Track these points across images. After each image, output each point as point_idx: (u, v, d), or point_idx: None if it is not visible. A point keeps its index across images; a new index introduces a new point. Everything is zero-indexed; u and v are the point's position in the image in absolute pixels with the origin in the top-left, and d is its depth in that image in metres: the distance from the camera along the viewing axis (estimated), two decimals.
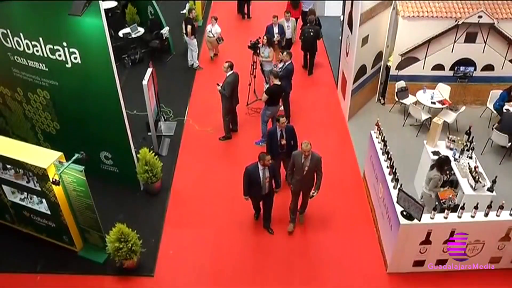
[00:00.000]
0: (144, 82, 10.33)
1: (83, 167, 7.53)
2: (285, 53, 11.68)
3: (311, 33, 14.00)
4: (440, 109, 11.66)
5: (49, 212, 8.41)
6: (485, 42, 11.77)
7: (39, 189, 8.09)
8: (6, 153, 8.01)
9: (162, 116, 12.29)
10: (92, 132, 9.43)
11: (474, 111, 12.30)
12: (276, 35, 13.56)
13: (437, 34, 11.64)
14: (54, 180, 7.47)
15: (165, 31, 14.88)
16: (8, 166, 8.25)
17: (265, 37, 12.70)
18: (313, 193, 8.80)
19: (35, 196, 8.50)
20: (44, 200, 8.32)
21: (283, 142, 9.55)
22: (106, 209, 8.95)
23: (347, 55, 12.26)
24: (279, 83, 10.92)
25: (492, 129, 11.00)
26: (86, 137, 9.48)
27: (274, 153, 9.31)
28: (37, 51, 8.61)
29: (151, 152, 9.74)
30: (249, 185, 8.75)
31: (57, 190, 7.83)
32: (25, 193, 8.60)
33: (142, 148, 9.72)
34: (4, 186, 8.58)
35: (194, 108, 13.03)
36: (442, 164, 8.64)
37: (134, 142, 9.72)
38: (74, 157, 7.59)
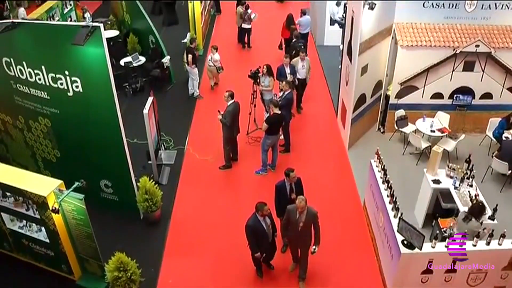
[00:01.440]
0: (145, 111, 10.38)
1: (83, 195, 7.51)
2: (284, 82, 11.76)
3: (301, 47, 14.87)
4: (440, 137, 11.68)
5: (48, 241, 8.36)
6: (483, 71, 11.88)
7: (39, 217, 8.06)
8: (6, 181, 8.00)
9: (162, 145, 12.31)
10: (92, 160, 9.43)
11: (474, 139, 12.32)
12: (288, 76, 12.92)
13: (435, 63, 11.76)
14: (53, 208, 7.45)
15: (166, 60, 15.01)
16: (8, 194, 8.24)
17: (265, 67, 12.80)
18: (314, 249, 8.25)
19: (34, 224, 8.47)
20: (43, 228, 8.28)
21: (293, 196, 8.67)
22: (105, 238, 8.87)
23: (346, 84, 12.35)
24: (279, 112, 10.98)
25: (492, 157, 11.00)
26: (86, 165, 9.48)
27: (283, 208, 8.45)
28: (39, 79, 8.69)
29: (151, 180, 9.72)
30: (256, 240, 8.20)
31: (57, 218, 7.80)
32: (24, 221, 8.58)
33: (142, 176, 9.70)
34: (3, 214, 8.55)
35: (195, 137, 13.05)
36: (480, 211, 8.25)
37: (134, 171, 9.71)
38: (74, 186, 7.58)
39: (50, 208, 7.52)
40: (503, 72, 11.91)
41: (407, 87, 12.17)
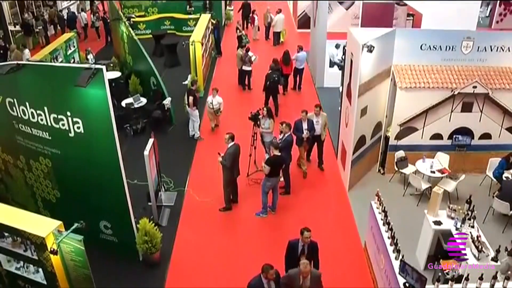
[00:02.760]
0: (146, 152, 10.41)
1: (82, 236, 7.46)
2: (284, 124, 11.82)
3: (275, 78, 16.05)
4: (440, 178, 11.67)
5: (45, 282, 8.22)
6: (481, 111, 11.98)
7: (36, 258, 7.96)
8: (4, 221, 7.95)
9: (162, 186, 12.29)
10: (92, 201, 9.39)
11: (474, 179, 12.30)
12: (305, 131, 12.43)
13: (434, 104, 11.88)
14: (52, 249, 7.38)
15: (167, 101, 15.15)
16: (6, 234, 8.17)
17: (265, 109, 12.91)
18: None
19: (31, 265, 8.34)
20: (40, 270, 8.15)
21: (302, 260, 8.10)
22: (104, 280, 8.78)
23: (346, 126, 12.42)
24: (279, 153, 11.01)
25: (493, 197, 10.96)
26: (86, 206, 9.43)
27: (292, 267, 7.98)
28: (42, 120, 8.76)
29: (151, 222, 9.67)
30: None
31: (55, 259, 7.71)
32: (22, 262, 8.46)
33: (142, 218, 9.66)
34: (0, 255, 8.47)
35: (195, 178, 13.04)
36: None
37: (134, 212, 9.65)
38: (73, 226, 7.54)
39: (49, 249, 7.44)
40: (501, 112, 12.02)
41: (407, 128, 12.25)
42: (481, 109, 11.97)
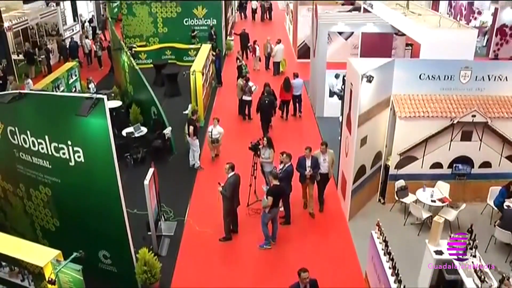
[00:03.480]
0: (146, 182, 10.41)
1: (81, 266, 7.41)
2: (284, 155, 11.84)
3: (266, 102, 16.63)
4: (441, 207, 11.63)
5: None
6: (481, 140, 12.02)
7: None
8: (2, 250, 7.90)
9: (162, 216, 12.24)
10: (91, 230, 9.33)
11: (475, 208, 12.27)
12: (308, 169, 12.13)
13: (434, 133, 11.92)
14: (50, 279, 7.31)
15: (167, 131, 15.19)
16: (3, 263, 8.11)
17: (265, 139, 12.95)
18: None
19: None
20: None
21: None
22: None
23: (346, 156, 12.44)
24: (278, 183, 11.01)
25: (495, 226, 10.91)
26: (85, 235, 9.37)
27: None
28: (42, 148, 8.78)
29: (151, 252, 9.61)
30: None
31: None
32: None
33: (142, 247, 9.60)
34: None
35: (195, 208, 12.99)
36: None
37: (134, 242, 9.60)
38: (72, 256, 7.49)
39: (47, 279, 7.38)
40: (500, 141, 12.05)
41: (407, 158, 12.26)
42: (480, 138, 12.00)
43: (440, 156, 12.24)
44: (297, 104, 19.15)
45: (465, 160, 12.25)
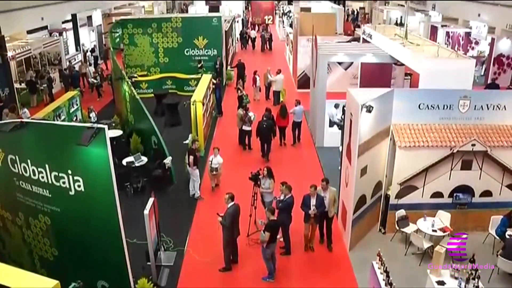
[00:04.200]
0: (146, 211, 10.38)
1: None
2: (284, 186, 11.83)
3: (264, 126, 17.28)
4: (442, 236, 11.57)
5: None
6: (481, 169, 12.02)
7: None
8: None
9: (162, 246, 12.16)
10: (90, 260, 9.25)
11: (477, 237, 12.17)
12: (312, 207, 11.76)
13: (434, 162, 11.93)
14: None
15: (167, 161, 15.20)
16: None
17: (265, 169, 12.97)
18: None
19: None
20: None
21: None
22: None
23: (346, 186, 12.42)
24: (275, 218, 10.99)
25: (497, 255, 10.83)
26: (84, 265, 9.29)
27: None
28: (42, 177, 8.78)
29: (150, 282, 9.55)
30: None
31: None
32: None
33: (141, 278, 9.53)
34: None
35: (195, 238, 12.92)
36: None
37: (133, 272, 9.51)
38: (70, 286, 7.42)
39: None
40: (500, 170, 12.06)
41: (407, 187, 12.25)
42: (480, 166, 12.01)
43: (441, 186, 12.23)
44: (297, 131, 19.37)
45: (466, 189, 12.24)
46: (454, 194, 12.27)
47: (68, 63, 29.91)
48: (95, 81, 26.24)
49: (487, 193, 12.31)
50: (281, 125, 18.90)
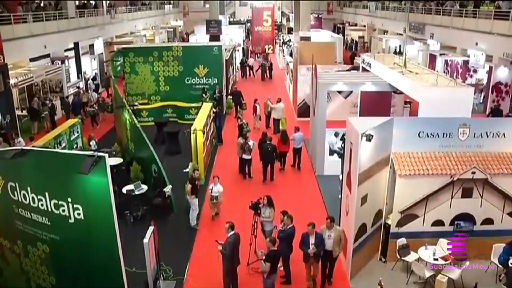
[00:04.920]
0: (145, 240, 10.34)
1: None
2: (286, 216, 11.79)
3: (269, 148, 17.92)
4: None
5: None
6: (482, 197, 12.00)
7: None
8: None
9: (161, 275, 12.05)
10: None
11: (479, 266, 12.04)
12: (311, 247, 11.28)
13: (434, 191, 11.91)
14: None
15: (167, 189, 15.18)
16: None
17: (265, 198, 12.94)
18: None
19: None
20: None
21: None
22: None
23: (347, 214, 12.38)
24: (275, 248, 10.93)
25: (500, 284, 10.72)
26: None
27: None
28: (42, 205, 8.77)
29: None
30: None
31: None
32: None
33: None
34: None
35: (194, 267, 12.83)
36: None
37: None
38: None
39: None
40: (501, 197, 12.04)
41: (408, 216, 12.20)
42: (481, 194, 11.99)
43: (441, 214, 12.19)
44: (297, 157, 19.69)
45: (467, 217, 12.19)
46: (455, 222, 12.23)
47: (76, 88, 30.28)
48: (91, 109, 26.32)
49: (488, 221, 12.26)
50: (282, 150, 19.21)
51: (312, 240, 11.30)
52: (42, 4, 30.62)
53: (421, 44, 40.23)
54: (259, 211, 12.88)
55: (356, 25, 65.16)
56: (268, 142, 18.44)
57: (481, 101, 29.21)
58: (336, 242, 11.49)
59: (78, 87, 30.65)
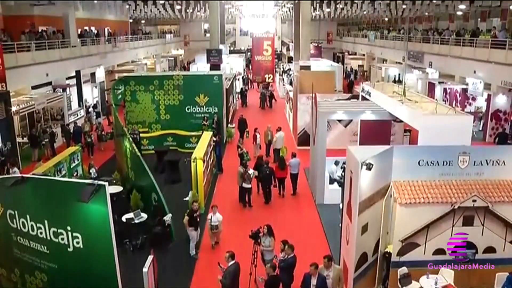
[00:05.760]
0: (145, 269, 10.28)
1: None
2: (286, 246, 11.74)
3: (267, 172, 18.64)
4: None
5: None
6: (483, 225, 11.92)
7: None
8: None
9: None
10: None
11: None
12: None
13: (435, 219, 11.84)
14: None
15: (167, 218, 15.12)
16: None
17: (265, 227, 12.91)
18: None
19: None
20: None
21: None
22: None
23: (347, 243, 12.30)
24: (275, 273, 10.85)
25: None
26: None
27: None
28: (41, 233, 8.75)
29: None
30: None
31: None
32: None
33: None
34: None
35: None
36: None
37: None
38: None
39: None
40: (503, 225, 11.93)
41: (409, 244, 12.10)
42: (482, 222, 11.92)
43: (443, 242, 12.08)
44: (294, 182, 20.00)
45: (469, 246, 12.09)
46: (457, 251, 12.12)
47: (85, 114, 30.49)
48: (88, 139, 26.29)
49: (490, 250, 12.13)
50: (280, 176, 19.54)
51: (314, 281, 10.94)
52: (45, 33, 30.99)
53: (420, 72, 40.56)
54: (259, 240, 12.83)
55: (355, 54, 65.81)
56: (265, 165, 19.02)
57: (480, 128, 29.36)
58: (335, 282, 11.21)
59: (87, 119, 30.82)
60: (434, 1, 29.69)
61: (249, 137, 27.37)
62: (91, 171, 19.35)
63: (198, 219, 14.92)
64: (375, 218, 12.06)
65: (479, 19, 39.19)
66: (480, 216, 11.86)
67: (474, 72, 29.19)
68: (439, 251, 12.13)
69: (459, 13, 40.31)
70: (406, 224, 11.92)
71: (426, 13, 44.75)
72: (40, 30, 31.41)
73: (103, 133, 27.74)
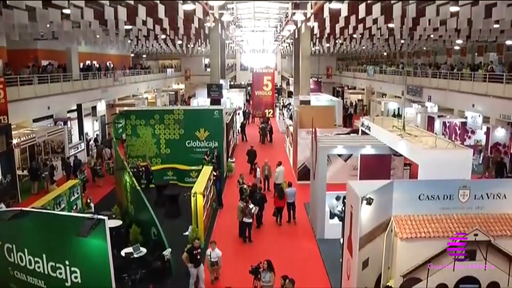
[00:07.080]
0: None
1: None
2: (287, 281, 11.67)
3: (258, 197, 19.63)
4: None
5: None
6: (485, 259, 11.80)
7: None
8: None
9: None
10: None
11: None
12: None
13: (436, 253, 11.74)
14: None
15: (167, 252, 14.98)
16: None
17: (265, 262, 12.82)
18: None
19: None
20: None
21: None
22: None
23: (348, 279, 12.19)
24: None
25: None
26: None
27: None
28: (39, 267, 8.68)
29: None
30: None
31: None
32: None
33: None
34: None
35: None
36: None
37: None
38: None
39: None
40: (506, 260, 11.82)
41: (410, 279, 11.97)
42: (485, 257, 11.81)
43: (445, 277, 11.95)
44: (291, 211, 20.57)
45: (472, 280, 11.94)
46: (460, 286, 11.96)
47: (94, 145, 31.36)
48: (82, 175, 25.94)
49: (494, 285, 11.97)
50: (278, 205, 20.29)
51: None
52: (48, 67, 31.34)
53: (419, 106, 40.82)
54: (259, 276, 12.74)
55: (355, 88, 66.32)
56: (257, 191, 20.37)
57: (480, 162, 29.37)
58: None
59: (97, 143, 31.06)
60: (432, 37, 30.02)
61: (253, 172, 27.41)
62: (90, 205, 19.37)
63: (198, 257, 14.73)
64: (376, 253, 11.97)
65: (476, 54, 39.69)
66: (482, 251, 11.77)
67: (473, 105, 29.40)
68: (442, 286, 11.99)
69: (457, 47, 40.78)
70: (407, 259, 11.83)
71: (425, 48, 45.21)
72: (46, 64, 31.83)
73: (111, 165, 27.77)
